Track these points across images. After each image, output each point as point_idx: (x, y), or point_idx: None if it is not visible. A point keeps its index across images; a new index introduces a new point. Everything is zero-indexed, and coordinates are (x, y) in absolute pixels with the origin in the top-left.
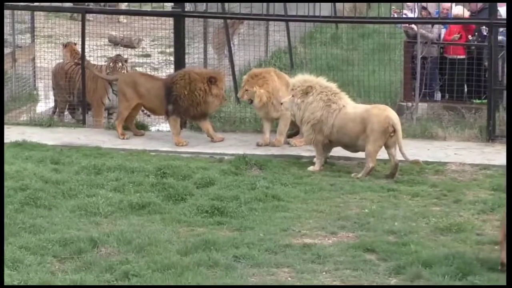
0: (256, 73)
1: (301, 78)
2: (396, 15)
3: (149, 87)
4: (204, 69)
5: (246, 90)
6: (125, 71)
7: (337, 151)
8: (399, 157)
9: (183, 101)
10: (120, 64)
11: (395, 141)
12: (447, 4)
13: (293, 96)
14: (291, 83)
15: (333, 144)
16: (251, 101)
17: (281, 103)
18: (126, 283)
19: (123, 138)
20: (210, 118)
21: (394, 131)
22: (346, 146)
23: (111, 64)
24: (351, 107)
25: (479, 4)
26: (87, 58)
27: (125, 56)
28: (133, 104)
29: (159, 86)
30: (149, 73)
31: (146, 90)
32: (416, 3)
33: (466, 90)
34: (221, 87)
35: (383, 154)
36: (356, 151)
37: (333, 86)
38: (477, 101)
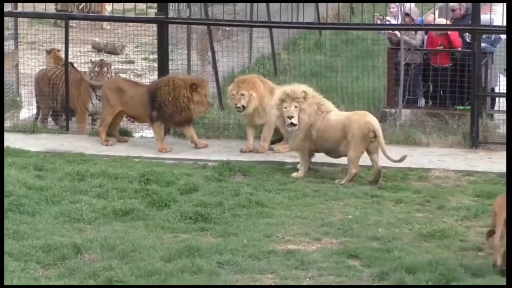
0: (244, 79)
1: (296, 86)
2: (379, 22)
3: (133, 93)
4: (188, 76)
5: (242, 95)
6: (110, 76)
7: (322, 158)
8: (383, 163)
9: (167, 107)
10: (105, 68)
11: (377, 146)
12: (431, 18)
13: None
14: (287, 91)
15: (317, 150)
16: (243, 108)
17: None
18: None
19: (107, 144)
20: (193, 125)
21: (375, 136)
22: (328, 152)
23: (96, 68)
24: (334, 114)
25: (462, 11)
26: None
27: (109, 61)
28: (117, 110)
29: (143, 92)
30: (133, 79)
31: (130, 97)
32: (399, 10)
33: (447, 96)
34: (203, 94)
35: (367, 160)
36: (338, 156)
37: (318, 94)
38: (461, 107)
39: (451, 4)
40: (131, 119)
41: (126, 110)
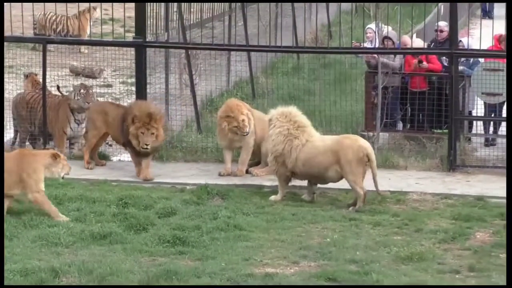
0: (235, 103)
1: (279, 110)
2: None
3: (114, 115)
4: (150, 105)
5: (243, 120)
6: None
7: (301, 181)
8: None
9: (126, 134)
10: (91, 91)
11: (366, 171)
12: (407, 40)
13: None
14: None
15: (299, 176)
16: (246, 133)
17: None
18: None
19: (88, 167)
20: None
21: (368, 160)
22: (314, 178)
23: (81, 90)
24: (319, 140)
25: (443, 35)
26: (49, 88)
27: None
28: (102, 133)
29: (120, 115)
30: (118, 102)
31: (112, 119)
32: (376, 34)
33: (423, 119)
34: (137, 127)
35: (345, 183)
36: (325, 183)
37: (302, 120)
38: (438, 130)
39: (440, 24)
40: (109, 143)
41: (109, 132)
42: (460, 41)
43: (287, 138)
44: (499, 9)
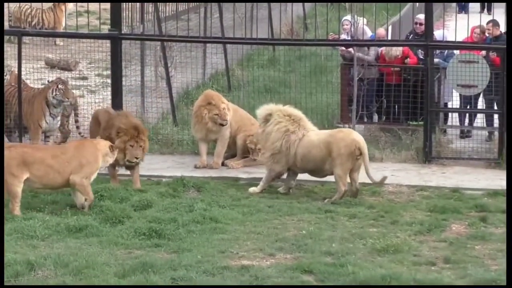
0: (212, 94)
1: (265, 107)
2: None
3: (104, 123)
4: (132, 117)
5: (224, 108)
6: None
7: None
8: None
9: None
10: (70, 87)
11: (360, 164)
12: (382, 33)
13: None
14: (257, 113)
15: (298, 171)
16: (226, 122)
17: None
18: None
19: None
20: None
21: (360, 154)
22: (312, 172)
23: (59, 86)
24: (314, 134)
25: (423, 27)
26: (24, 81)
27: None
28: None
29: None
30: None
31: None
32: (352, 26)
33: (401, 111)
34: (124, 140)
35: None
36: (323, 176)
37: (296, 113)
38: (414, 122)
39: (420, 17)
40: (82, 134)
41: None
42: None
43: (285, 134)
44: (475, 4)
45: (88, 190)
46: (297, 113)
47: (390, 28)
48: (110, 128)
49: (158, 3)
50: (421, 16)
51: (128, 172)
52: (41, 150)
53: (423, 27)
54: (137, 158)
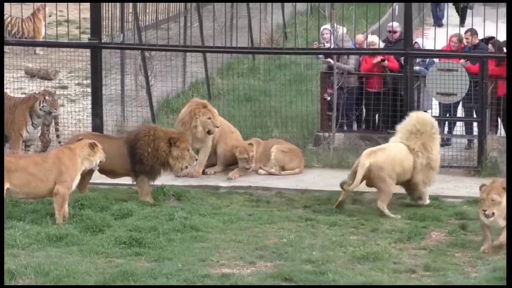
0: (202, 102)
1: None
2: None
3: (107, 146)
4: (169, 129)
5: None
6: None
7: (255, 181)
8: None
9: (147, 160)
10: (56, 97)
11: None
12: (361, 39)
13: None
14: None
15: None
16: (217, 127)
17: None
18: None
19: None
20: None
21: None
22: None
23: (47, 97)
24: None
25: (396, 35)
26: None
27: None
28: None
29: (119, 144)
30: (104, 134)
31: (106, 152)
32: (332, 34)
33: (379, 120)
34: (183, 148)
35: (302, 184)
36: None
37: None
38: (393, 131)
39: (392, 25)
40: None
41: (100, 165)
42: (416, 42)
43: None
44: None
45: (65, 206)
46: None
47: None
48: (155, 141)
49: (138, 12)
50: (395, 24)
51: (107, 181)
52: (23, 158)
53: (396, 35)
54: (196, 159)
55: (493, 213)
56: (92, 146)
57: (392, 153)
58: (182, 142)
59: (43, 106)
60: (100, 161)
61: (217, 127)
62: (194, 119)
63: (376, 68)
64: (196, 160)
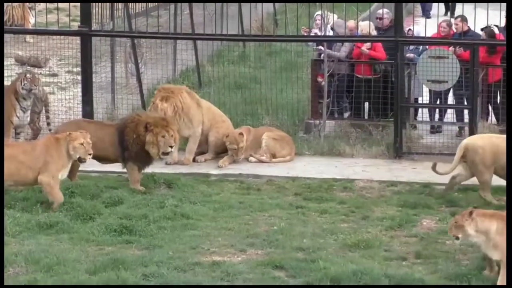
0: (168, 89)
1: None
2: (306, 34)
3: (102, 135)
4: (155, 114)
5: (153, 103)
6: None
7: (247, 169)
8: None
9: (132, 147)
10: (37, 75)
11: None
12: (352, 25)
13: None
14: None
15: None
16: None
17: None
18: None
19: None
20: None
21: None
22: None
23: (27, 75)
24: None
25: (386, 22)
26: None
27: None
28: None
29: (112, 132)
30: (97, 120)
31: (99, 139)
32: (323, 22)
33: (370, 107)
34: (156, 133)
35: (292, 171)
36: None
37: None
38: (382, 119)
39: (378, 12)
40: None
41: (93, 152)
42: (409, 29)
43: None
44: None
45: (55, 192)
46: None
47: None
48: (136, 126)
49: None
50: (382, 11)
51: (97, 169)
52: (11, 146)
53: (385, 22)
54: (171, 147)
55: (457, 237)
56: (69, 135)
57: (499, 140)
58: (157, 127)
59: (24, 85)
60: (82, 157)
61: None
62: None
63: (363, 55)
64: (172, 147)
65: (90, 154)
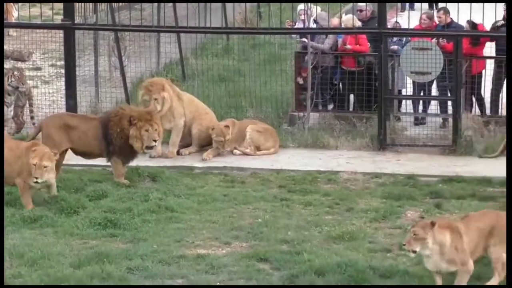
0: (152, 82)
1: None
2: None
3: (86, 128)
4: (139, 108)
5: (156, 99)
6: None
7: (231, 161)
8: (293, 166)
9: (116, 140)
10: (24, 73)
11: None
12: (336, 22)
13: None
14: None
15: None
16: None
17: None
18: None
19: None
20: None
21: None
22: None
23: (15, 73)
24: None
25: (369, 13)
26: None
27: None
28: (61, 150)
29: (96, 125)
30: (81, 113)
31: (82, 133)
32: (306, 14)
33: (354, 99)
34: (140, 126)
35: (277, 164)
36: None
37: None
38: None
39: (359, 4)
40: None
41: (77, 147)
42: (397, 22)
43: None
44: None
45: (24, 194)
46: None
47: (344, 16)
48: (120, 120)
49: None
50: (361, 4)
51: (81, 162)
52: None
53: (363, 14)
54: (155, 141)
55: (414, 251)
56: (34, 156)
57: None
58: (140, 120)
59: (11, 82)
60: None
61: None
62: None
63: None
64: (156, 141)
65: (36, 178)
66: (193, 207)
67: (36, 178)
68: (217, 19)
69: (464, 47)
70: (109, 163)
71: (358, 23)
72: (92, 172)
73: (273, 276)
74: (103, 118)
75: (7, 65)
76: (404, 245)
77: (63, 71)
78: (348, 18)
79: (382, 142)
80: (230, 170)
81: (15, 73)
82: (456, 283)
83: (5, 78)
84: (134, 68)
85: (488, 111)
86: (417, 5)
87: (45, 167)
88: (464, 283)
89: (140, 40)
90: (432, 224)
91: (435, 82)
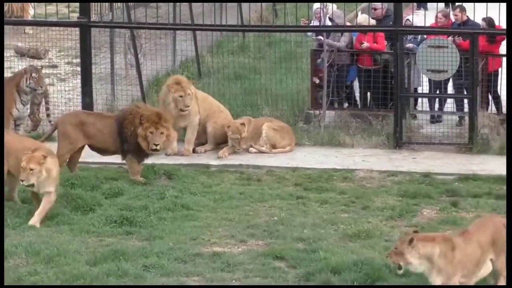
0: (179, 79)
1: None
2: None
3: (102, 125)
4: (152, 108)
5: (189, 94)
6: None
7: (247, 159)
8: (309, 164)
9: (131, 139)
10: (42, 74)
11: None
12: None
13: None
14: None
15: None
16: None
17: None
18: None
19: None
20: None
21: None
22: None
23: (33, 74)
24: None
25: (378, 12)
26: None
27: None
28: (77, 146)
29: (111, 123)
30: (97, 111)
31: (98, 130)
32: (322, 12)
33: (370, 98)
34: (146, 127)
35: (292, 162)
36: None
37: None
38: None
39: (373, 3)
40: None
41: (94, 144)
42: (408, 19)
43: None
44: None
45: (12, 193)
46: None
47: (359, 14)
48: (133, 118)
49: None
50: (376, 3)
51: (97, 160)
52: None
53: (378, 12)
54: (156, 145)
55: (399, 265)
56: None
57: None
58: (147, 121)
59: (29, 83)
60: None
61: (188, 106)
62: (167, 96)
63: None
64: (156, 145)
65: (22, 180)
66: (209, 205)
67: (22, 180)
68: (233, 17)
69: (481, 45)
70: (124, 161)
71: (372, 22)
72: (108, 170)
73: (289, 274)
74: (119, 116)
75: (24, 63)
76: (387, 256)
77: (79, 69)
78: (364, 17)
79: (398, 140)
80: (246, 168)
81: (33, 74)
82: None
83: (23, 79)
84: (150, 66)
85: (504, 109)
86: (430, 4)
87: (31, 169)
88: None
89: (156, 38)
90: (411, 240)
91: (451, 80)
